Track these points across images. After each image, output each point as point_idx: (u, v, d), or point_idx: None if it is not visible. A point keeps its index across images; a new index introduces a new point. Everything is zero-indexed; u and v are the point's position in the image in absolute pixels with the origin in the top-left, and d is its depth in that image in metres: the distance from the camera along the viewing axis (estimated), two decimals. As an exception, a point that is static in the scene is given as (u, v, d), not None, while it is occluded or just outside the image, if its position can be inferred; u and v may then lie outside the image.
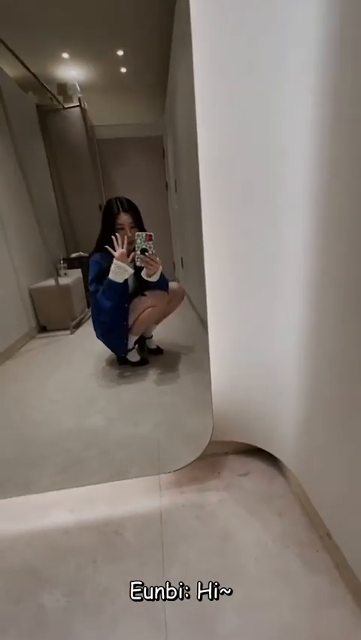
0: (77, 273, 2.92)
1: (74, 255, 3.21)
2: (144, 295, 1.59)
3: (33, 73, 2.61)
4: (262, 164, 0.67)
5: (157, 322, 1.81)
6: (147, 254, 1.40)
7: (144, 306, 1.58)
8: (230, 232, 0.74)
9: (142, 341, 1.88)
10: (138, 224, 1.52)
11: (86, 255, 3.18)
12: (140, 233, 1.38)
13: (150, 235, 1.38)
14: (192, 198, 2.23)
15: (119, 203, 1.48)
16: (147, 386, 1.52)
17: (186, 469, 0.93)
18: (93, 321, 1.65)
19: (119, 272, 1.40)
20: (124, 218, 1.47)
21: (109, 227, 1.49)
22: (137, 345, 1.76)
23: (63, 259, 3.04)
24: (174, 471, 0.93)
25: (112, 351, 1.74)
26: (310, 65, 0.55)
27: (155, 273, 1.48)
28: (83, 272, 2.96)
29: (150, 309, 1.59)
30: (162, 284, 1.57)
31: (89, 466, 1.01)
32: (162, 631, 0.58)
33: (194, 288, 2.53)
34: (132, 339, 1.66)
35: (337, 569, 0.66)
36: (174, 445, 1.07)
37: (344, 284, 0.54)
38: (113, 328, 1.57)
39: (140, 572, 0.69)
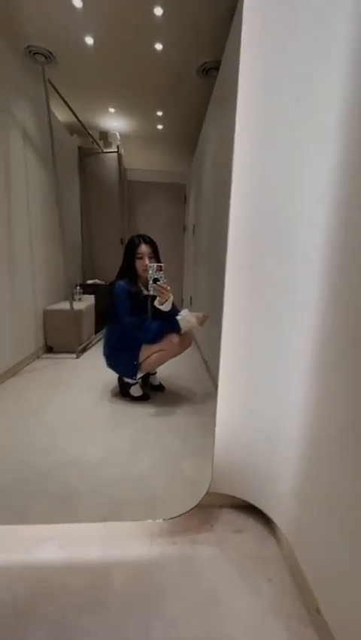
0: (90, 300, 3.03)
1: (89, 282, 3.35)
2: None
3: (80, 121, 2.93)
4: (283, 233, 0.77)
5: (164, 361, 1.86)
6: (158, 283, 1.54)
7: (155, 348, 1.65)
8: (248, 290, 0.82)
9: (146, 377, 1.92)
10: (155, 256, 1.68)
11: (102, 282, 3.33)
12: (152, 264, 1.53)
13: (161, 266, 1.54)
14: (208, 244, 2.39)
15: (140, 237, 1.67)
16: (146, 423, 1.54)
17: (179, 519, 0.93)
18: (106, 343, 1.74)
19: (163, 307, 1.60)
20: (143, 249, 1.64)
21: (130, 257, 1.66)
22: (140, 380, 1.80)
23: (79, 285, 3.18)
24: (169, 519, 0.93)
25: (121, 373, 1.77)
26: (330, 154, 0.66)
27: (166, 301, 1.58)
28: (96, 298, 3.07)
29: (161, 352, 1.66)
30: (174, 324, 1.66)
31: (83, 502, 1.01)
32: None
33: (200, 329, 2.61)
34: (139, 374, 1.71)
35: (324, 648, 0.65)
36: (170, 488, 1.08)
37: (351, 356, 0.60)
38: (128, 349, 1.67)
39: (124, 624, 0.68)
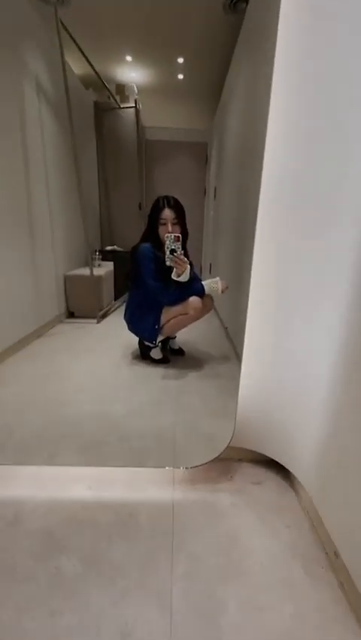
0: (109, 266, 3.02)
1: (108, 248, 3.33)
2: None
3: (97, 72, 2.74)
4: (326, 189, 0.70)
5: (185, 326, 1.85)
6: (175, 254, 1.49)
7: (177, 312, 1.64)
8: (282, 249, 0.78)
9: (166, 341, 1.93)
10: (180, 222, 1.60)
11: (120, 249, 3.29)
12: (168, 235, 1.48)
13: (178, 236, 1.49)
14: (231, 209, 2.27)
15: (165, 200, 1.58)
16: (167, 384, 1.57)
17: (199, 469, 0.97)
18: (128, 306, 1.76)
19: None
20: (167, 214, 1.56)
21: (154, 221, 1.59)
22: (160, 344, 1.82)
23: (98, 251, 3.16)
24: (190, 467, 0.97)
25: (142, 337, 1.80)
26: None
27: (183, 272, 1.54)
28: (115, 265, 3.06)
29: (182, 316, 1.65)
30: (196, 288, 1.63)
31: (109, 450, 1.07)
32: (167, 611, 0.62)
33: (219, 297, 2.57)
34: (159, 338, 1.72)
35: (341, 588, 0.68)
36: (190, 443, 1.11)
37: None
38: (149, 313, 1.68)
39: (150, 555, 0.73)
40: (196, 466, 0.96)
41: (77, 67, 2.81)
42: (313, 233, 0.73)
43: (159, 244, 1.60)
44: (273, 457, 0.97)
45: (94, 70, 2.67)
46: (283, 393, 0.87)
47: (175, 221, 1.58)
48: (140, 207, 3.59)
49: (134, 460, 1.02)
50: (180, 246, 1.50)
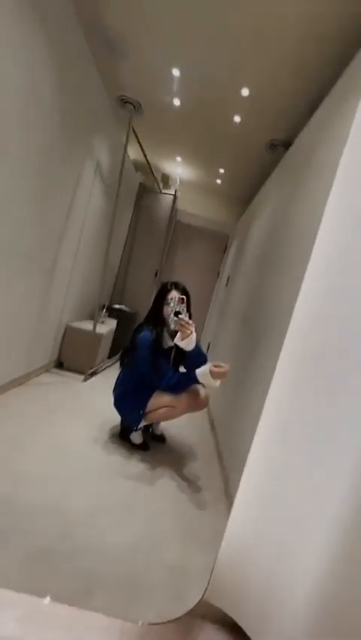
0: (112, 324, 3.04)
1: (116, 306, 3.40)
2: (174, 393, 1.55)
3: (149, 164, 3.16)
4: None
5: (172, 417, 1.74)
6: (180, 316, 1.43)
7: (167, 403, 1.55)
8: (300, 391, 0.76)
9: (149, 426, 1.83)
10: (186, 305, 1.54)
11: (127, 310, 3.36)
12: (173, 297, 1.45)
13: (182, 298, 1.44)
14: (242, 302, 2.38)
15: (173, 283, 1.59)
16: (139, 485, 1.42)
17: (156, 627, 0.80)
18: (118, 385, 1.69)
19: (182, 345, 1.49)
20: (174, 294, 1.54)
21: (159, 302, 1.59)
22: (142, 428, 1.71)
23: (106, 307, 3.22)
24: (146, 624, 0.80)
25: (125, 419, 1.69)
26: None
27: (188, 337, 1.46)
28: (118, 324, 3.08)
29: (170, 408, 1.55)
30: (193, 376, 1.49)
31: (52, 566, 0.90)
32: None
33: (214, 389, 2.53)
34: (142, 423, 1.62)
35: None
36: (152, 574, 0.95)
37: None
38: (137, 397, 1.59)
39: None
40: (154, 624, 0.80)
41: (132, 152, 3.25)
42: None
43: (162, 326, 1.58)
44: (246, 630, 0.82)
45: (147, 161, 3.08)
46: (271, 557, 0.77)
47: (181, 300, 1.53)
48: (156, 275, 3.78)
49: (80, 589, 0.85)
50: (184, 309, 1.44)
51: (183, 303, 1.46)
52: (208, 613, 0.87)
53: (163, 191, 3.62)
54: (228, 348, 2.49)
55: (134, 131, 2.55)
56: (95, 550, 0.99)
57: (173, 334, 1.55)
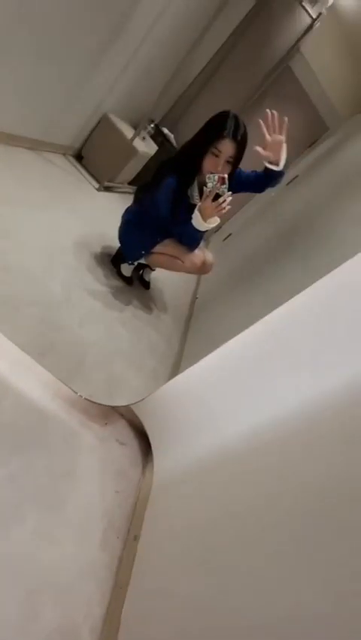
0: (152, 148, 2.58)
1: (164, 131, 2.81)
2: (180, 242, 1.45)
3: None
4: None
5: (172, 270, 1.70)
6: (219, 200, 1.20)
7: (175, 253, 1.46)
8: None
9: (144, 266, 1.79)
10: (235, 161, 1.24)
11: (173, 144, 2.83)
12: (211, 175, 1.17)
13: (223, 177, 1.17)
14: (292, 212, 2.08)
15: (234, 125, 1.17)
16: (113, 309, 1.47)
17: (86, 400, 0.95)
18: (128, 215, 1.53)
19: (204, 227, 1.29)
20: (227, 147, 1.18)
21: (204, 145, 1.21)
22: (136, 264, 1.67)
23: (154, 124, 2.66)
24: (78, 394, 0.94)
25: (123, 249, 1.61)
26: None
27: (212, 218, 1.27)
28: (156, 152, 2.61)
29: (176, 260, 1.48)
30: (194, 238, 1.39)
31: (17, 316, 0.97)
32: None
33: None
34: (140, 260, 1.57)
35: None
36: (101, 372, 1.09)
37: None
38: (144, 235, 1.48)
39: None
40: (83, 397, 0.94)
41: None
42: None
43: (194, 175, 1.29)
44: (149, 437, 1.01)
45: None
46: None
47: (231, 159, 1.22)
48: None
49: (37, 346, 0.94)
50: (225, 190, 1.18)
51: (224, 184, 1.17)
52: (127, 414, 1.05)
53: (305, 2, 2.51)
54: (251, 248, 2.32)
55: None
56: (56, 326, 1.07)
57: (201, 189, 1.30)
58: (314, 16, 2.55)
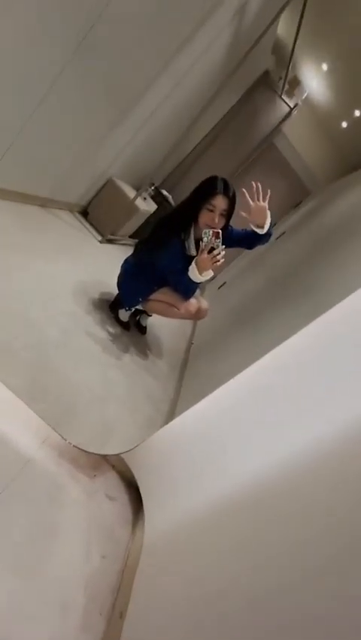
0: (151, 207, 2.82)
1: (164, 192, 3.11)
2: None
3: (293, 51, 2.52)
4: None
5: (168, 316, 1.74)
6: (214, 252, 1.29)
7: (171, 301, 1.53)
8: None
9: (141, 312, 1.84)
10: (228, 216, 1.37)
11: (171, 204, 3.10)
12: (207, 230, 1.28)
13: (218, 232, 1.27)
14: (283, 263, 2.21)
15: (223, 184, 1.32)
16: (106, 358, 1.47)
17: (77, 449, 0.91)
18: (127, 265, 1.61)
19: (199, 279, 1.36)
20: (220, 202, 1.30)
21: (198, 202, 1.34)
22: (133, 310, 1.72)
23: (154, 186, 2.94)
24: (67, 442, 0.90)
25: (121, 294, 1.67)
26: None
27: (208, 272, 1.35)
28: (156, 211, 2.86)
29: (172, 308, 1.54)
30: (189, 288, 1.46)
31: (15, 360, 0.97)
32: None
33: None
34: (136, 306, 1.63)
35: None
36: (92, 419, 1.05)
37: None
38: (140, 284, 1.55)
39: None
40: (73, 445, 0.90)
41: (283, 25, 2.56)
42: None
43: (191, 228, 1.41)
44: (140, 490, 0.94)
45: (293, 45, 2.44)
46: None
47: (224, 212, 1.34)
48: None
49: (26, 386, 0.93)
50: (219, 244, 1.28)
51: (218, 238, 1.28)
52: (118, 464, 0.99)
53: (283, 96, 2.99)
54: (244, 295, 2.41)
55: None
56: (51, 370, 1.06)
57: (197, 242, 1.40)
58: (292, 106, 3.02)
